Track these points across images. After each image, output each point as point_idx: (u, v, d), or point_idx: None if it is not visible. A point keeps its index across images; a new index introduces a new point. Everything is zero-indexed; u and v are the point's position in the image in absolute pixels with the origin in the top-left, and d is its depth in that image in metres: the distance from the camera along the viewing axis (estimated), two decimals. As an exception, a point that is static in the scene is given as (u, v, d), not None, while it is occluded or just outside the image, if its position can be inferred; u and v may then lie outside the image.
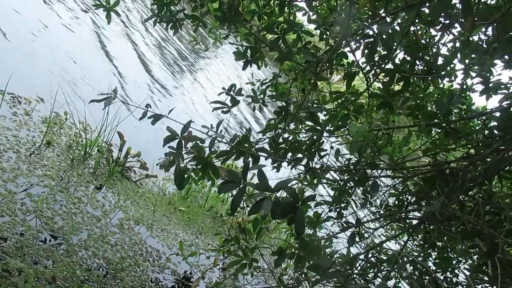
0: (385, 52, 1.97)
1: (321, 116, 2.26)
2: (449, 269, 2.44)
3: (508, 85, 2.13)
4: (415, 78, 2.26)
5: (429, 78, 2.25)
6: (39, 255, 2.71)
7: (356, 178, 2.17)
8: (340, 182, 2.52)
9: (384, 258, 2.26)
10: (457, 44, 2.36)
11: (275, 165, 2.34)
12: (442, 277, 2.44)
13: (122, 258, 3.28)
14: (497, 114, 2.11)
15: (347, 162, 2.33)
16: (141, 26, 10.18)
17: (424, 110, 2.32)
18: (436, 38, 2.41)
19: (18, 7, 6.00)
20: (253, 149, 1.84)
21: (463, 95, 2.30)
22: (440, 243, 2.43)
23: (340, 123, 2.19)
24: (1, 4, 5.77)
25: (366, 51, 1.83)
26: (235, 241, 2.56)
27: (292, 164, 2.30)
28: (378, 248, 2.35)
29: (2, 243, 2.58)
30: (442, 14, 1.95)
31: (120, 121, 4.51)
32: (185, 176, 1.68)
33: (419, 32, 2.35)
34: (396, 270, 2.13)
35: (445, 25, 2.09)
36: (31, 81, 4.60)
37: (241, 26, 2.29)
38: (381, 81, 2.14)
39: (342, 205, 2.59)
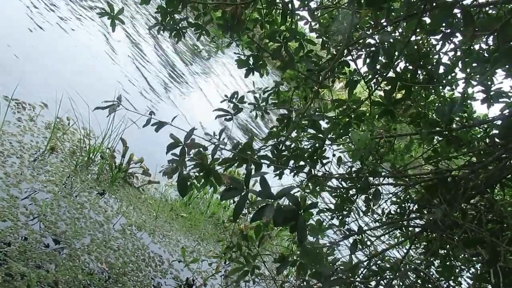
0: (387, 61, 1.98)
1: (323, 124, 2.27)
2: (452, 278, 2.43)
3: (509, 94, 2.14)
4: (417, 87, 2.27)
5: (431, 86, 2.27)
6: (41, 259, 2.72)
7: (358, 185, 2.18)
8: (342, 189, 2.52)
9: (387, 266, 2.26)
10: (458, 53, 2.38)
11: (277, 172, 2.35)
12: (445, 285, 2.43)
13: (125, 263, 3.29)
14: (499, 122, 2.12)
15: (349, 169, 2.33)
16: (145, 34, 10.26)
17: (425, 118, 2.33)
18: (438, 47, 2.43)
19: (20, 12, 6.08)
20: (256, 156, 1.85)
21: (464, 103, 2.31)
22: (442, 251, 2.42)
23: (342, 131, 2.20)
24: (3, 9, 5.84)
25: (367, 59, 1.85)
26: (237, 248, 2.56)
27: (294, 171, 2.31)
28: (381, 256, 2.35)
29: (5, 248, 2.60)
30: (444, 24, 1.97)
31: (126, 127, 4.54)
32: (188, 183, 1.70)
33: (421, 41, 2.37)
34: (399, 278, 2.12)
35: (446, 34, 2.10)
36: (35, 87, 4.64)
37: (243, 35, 2.31)
38: (383, 89, 2.15)
39: (344, 212, 2.59)
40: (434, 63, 2.20)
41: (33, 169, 3.46)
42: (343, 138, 2.30)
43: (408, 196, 2.56)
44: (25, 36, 5.60)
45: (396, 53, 1.91)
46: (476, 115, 2.50)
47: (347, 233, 2.50)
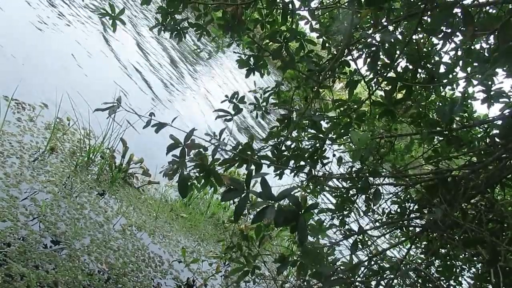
0: (387, 61, 1.98)
1: (324, 124, 2.27)
2: (453, 277, 2.43)
3: (510, 94, 2.14)
4: (417, 87, 2.27)
5: (431, 86, 2.27)
6: (41, 259, 2.71)
7: (359, 185, 2.18)
8: (342, 189, 2.52)
9: (387, 265, 2.26)
10: (459, 53, 2.38)
11: (278, 172, 2.35)
12: (445, 285, 2.43)
13: (125, 263, 3.28)
14: (499, 122, 2.12)
15: (349, 169, 2.33)
16: (146, 34, 10.25)
17: (426, 118, 2.33)
18: (438, 47, 2.43)
19: (22, 13, 6.07)
20: (256, 156, 1.85)
21: (464, 103, 2.31)
22: (443, 251, 2.42)
23: (342, 131, 2.20)
24: (5, 10, 5.83)
25: (368, 59, 1.84)
26: (237, 248, 2.56)
27: (295, 171, 2.31)
28: (381, 256, 2.34)
29: (5, 248, 2.59)
30: (444, 23, 1.97)
31: (126, 128, 4.53)
32: (188, 183, 1.69)
33: (421, 41, 2.37)
34: (399, 277, 2.12)
35: (447, 33, 2.10)
36: (35, 87, 4.64)
37: (244, 35, 2.31)
38: (383, 89, 2.15)
39: (345, 212, 2.59)
40: (435, 63, 2.20)
41: (33, 169, 3.46)
42: (343, 138, 2.30)
43: (408, 196, 2.56)
44: (24, 36, 5.59)
45: (397, 53, 1.91)
46: (476, 115, 2.50)
47: (348, 233, 2.50)
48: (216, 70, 13.08)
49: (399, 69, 2.19)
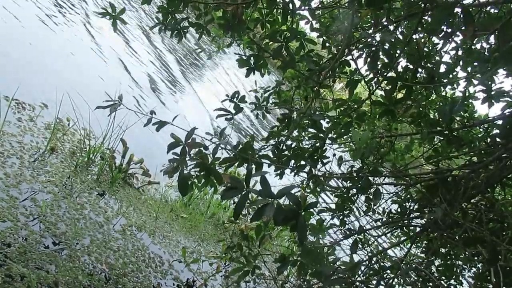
0: (387, 60, 1.98)
1: (324, 124, 2.27)
2: (453, 277, 2.43)
3: (511, 93, 2.14)
4: (417, 86, 2.27)
5: (431, 86, 2.27)
6: (41, 260, 2.71)
7: (359, 185, 2.18)
8: (342, 189, 2.52)
9: (387, 265, 2.26)
10: (460, 52, 2.38)
11: (278, 172, 2.35)
12: (445, 285, 2.43)
13: (125, 264, 3.28)
14: (499, 121, 2.12)
15: (349, 169, 2.33)
16: (145, 34, 10.25)
17: (426, 118, 2.33)
18: (439, 46, 2.43)
19: (21, 14, 6.07)
20: (256, 156, 1.85)
21: (465, 103, 2.31)
22: (443, 250, 2.43)
23: (342, 130, 2.21)
24: (3, 10, 5.83)
25: (368, 59, 1.85)
26: (237, 248, 2.56)
27: (295, 171, 2.31)
28: (382, 255, 2.34)
29: (5, 248, 2.59)
30: (444, 23, 1.97)
31: (127, 127, 4.53)
32: (189, 182, 1.69)
33: (422, 41, 2.37)
34: (399, 277, 2.12)
35: (447, 33, 2.10)
36: (35, 87, 4.64)
37: (244, 34, 2.32)
38: (383, 89, 2.16)
39: (345, 212, 2.59)
40: (435, 62, 2.20)
41: (33, 169, 3.45)
42: (344, 137, 2.31)
43: (408, 196, 2.56)
44: (24, 36, 5.59)
45: (397, 53, 1.91)
46: (477, 114, 2.51)
47: (348, 232, 2.50)
48: (214, 69, 13.08)
49: (399, 69, 2.20)
